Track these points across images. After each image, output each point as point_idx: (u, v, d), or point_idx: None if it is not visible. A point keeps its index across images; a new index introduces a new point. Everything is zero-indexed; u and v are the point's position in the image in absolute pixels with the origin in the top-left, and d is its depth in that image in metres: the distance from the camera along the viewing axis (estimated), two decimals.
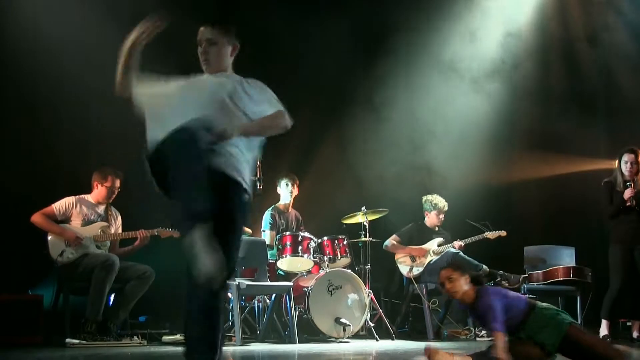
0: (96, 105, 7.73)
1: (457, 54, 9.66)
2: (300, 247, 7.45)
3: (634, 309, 7.67)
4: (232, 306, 6.95)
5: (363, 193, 9.04)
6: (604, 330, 7.55)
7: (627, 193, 7.48)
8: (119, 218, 7.27)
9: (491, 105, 9.61)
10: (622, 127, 9.27)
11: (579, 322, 8.10)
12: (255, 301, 7.55)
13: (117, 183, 7.15)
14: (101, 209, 7.13)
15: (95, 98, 7.51)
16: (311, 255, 7.47)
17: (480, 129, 8.88)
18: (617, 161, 7.70)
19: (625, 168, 7.59)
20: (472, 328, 7.97)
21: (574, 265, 8.40)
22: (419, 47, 9.42)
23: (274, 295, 7.26)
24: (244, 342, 6.87)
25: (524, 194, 9.66)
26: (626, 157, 7.61)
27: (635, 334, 7.69)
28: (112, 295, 7.02)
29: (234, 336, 6.78)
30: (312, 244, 7.51)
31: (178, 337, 6.93)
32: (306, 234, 7.57)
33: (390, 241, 8.23)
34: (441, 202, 8.22)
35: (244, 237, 7.55)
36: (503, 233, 8.26)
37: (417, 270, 8.05)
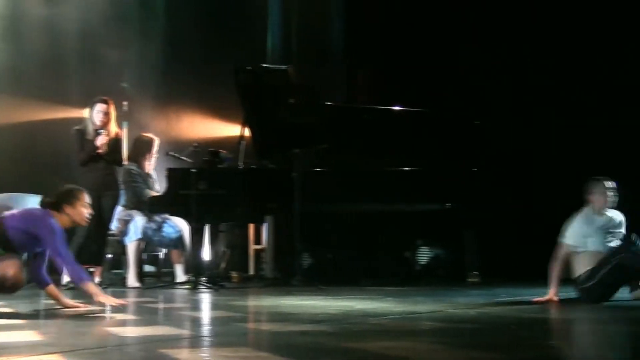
0: None
1: None
2: None
3: (97, 255, 7.98)
4: None
5: None
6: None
7: (99, 140, 7.76)
8: None
9: None
10: (93, 78, 9.49)
11: None
12: None
13: None
14: None
15: None
16: None
17: None
18: (88, 110, 7.96)
19: (97, 117, 7.87)
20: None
21: None
22: None
23: None
24: None
25: None
26: (99, 107, 7.92)
27: (96, 279, 7.95)
28: None
29: None
30: None
31: None
32: None
33: None
34: None
35: None
36: None
37: None
